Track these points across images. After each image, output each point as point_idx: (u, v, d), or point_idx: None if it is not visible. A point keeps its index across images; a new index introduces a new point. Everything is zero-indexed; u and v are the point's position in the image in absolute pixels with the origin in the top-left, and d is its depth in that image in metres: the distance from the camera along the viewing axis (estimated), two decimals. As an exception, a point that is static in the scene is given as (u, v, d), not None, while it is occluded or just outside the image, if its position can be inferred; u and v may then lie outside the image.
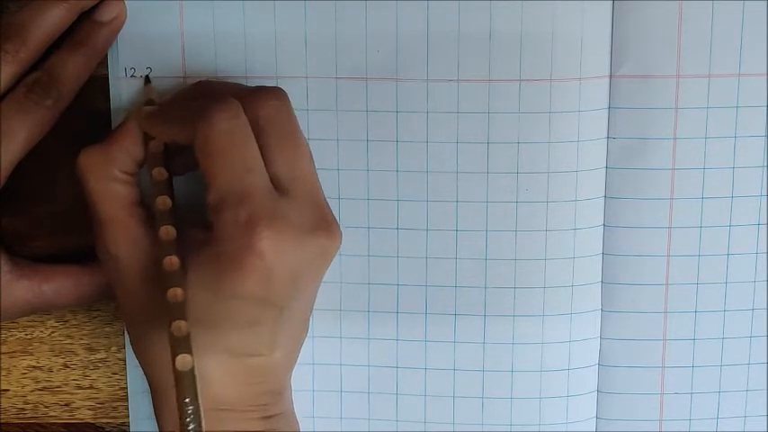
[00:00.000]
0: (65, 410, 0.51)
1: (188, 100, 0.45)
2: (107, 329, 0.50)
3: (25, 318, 0.50)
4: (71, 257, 0.48)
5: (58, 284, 0.47)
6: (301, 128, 0.44)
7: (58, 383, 0.51)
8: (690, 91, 0.46)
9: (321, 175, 0.44)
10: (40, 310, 0.47)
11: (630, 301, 0.48)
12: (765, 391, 0.49)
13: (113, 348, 0.50)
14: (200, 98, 0.44)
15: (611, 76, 0.46)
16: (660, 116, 0.47)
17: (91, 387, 0.51)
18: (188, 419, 0.39)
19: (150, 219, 0.44)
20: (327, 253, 0.43)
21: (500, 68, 0.46)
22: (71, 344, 0.50)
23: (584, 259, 0.48)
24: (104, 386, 0.51)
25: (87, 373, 0.51)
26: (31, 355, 0.51)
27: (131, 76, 0.47)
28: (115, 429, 0.51)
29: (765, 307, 0.49)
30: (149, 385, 0.44)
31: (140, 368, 0.44)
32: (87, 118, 0.47)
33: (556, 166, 0.47)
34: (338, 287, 0.48)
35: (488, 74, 0.46)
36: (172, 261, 0.41)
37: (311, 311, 0.45)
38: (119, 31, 0.46)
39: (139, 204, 0.44)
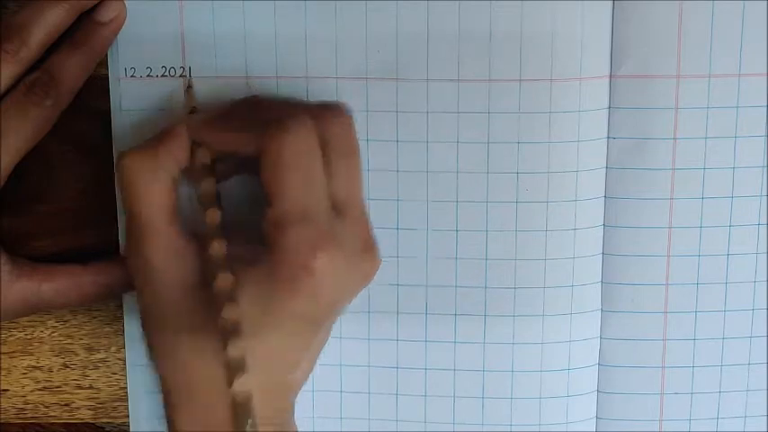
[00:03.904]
0: (65, 410, 0.51)
1: (246, 112, 0.44)
2: (107, 329, 0.50)
3: (25, 318, 0.50)
4: (72, 257, 0.48)
5: (59, 284, 0.47)
6: None
7: (58, 383, 0.51)
8: (690, 91, 0.46)
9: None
10: (40, 310, 0.47)
11: (630, 301, 0.48)
12: (765, 391, 0.49)
13: (113, 348, 0.50)
14: (264, 111, 0.43)
15: (611, 76, 0.46)
16: (660, 116, 0.47)
17: (91, 387, 0.51)
18: None
19: (183, 227, 0.43)
20: (368, 278, 0.43)
21: (500, 68, 0.46)
22: (71, 344, 0.50)
23: (584, 259, 0.48)
24: (104, 386, 0.51)
25: (87, 373, 0.51)
26: (31, 355, 0.51)
27: (131, 76, 0.47)
28: (115, 429, 0.51)
29: (765, 307, 0.48)
30: (164, 387, 0.42)
31: (140, 368, 0.44)
32: (87, 118, 0.47)
33: (556, 166, 0.47)
34: (338, 287, 0.49)
35: (488, 74, 0.46)
36: (226, 278, 0.40)
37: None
38: (119, 31, 0.46)
39: (177, 213, 0.43)
